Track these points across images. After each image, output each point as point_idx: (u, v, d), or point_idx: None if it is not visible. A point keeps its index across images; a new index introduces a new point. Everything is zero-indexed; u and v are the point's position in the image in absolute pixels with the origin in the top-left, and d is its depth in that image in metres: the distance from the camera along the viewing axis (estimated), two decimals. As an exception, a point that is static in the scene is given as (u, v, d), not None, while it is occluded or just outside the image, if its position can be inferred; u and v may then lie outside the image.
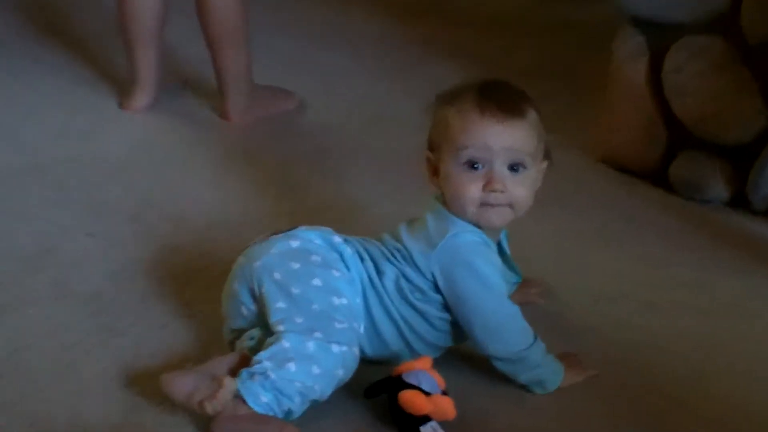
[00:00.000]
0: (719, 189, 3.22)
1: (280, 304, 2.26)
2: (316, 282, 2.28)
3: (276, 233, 2.38)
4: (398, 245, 2.35)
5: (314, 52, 4.19)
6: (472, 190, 2.29)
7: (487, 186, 2.29)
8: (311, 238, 2.36)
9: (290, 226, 2.40)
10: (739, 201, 3.19)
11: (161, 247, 2.84)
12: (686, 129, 3.25)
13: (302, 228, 2.38)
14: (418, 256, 2.32)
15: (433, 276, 2.31)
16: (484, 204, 2.30)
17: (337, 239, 2.37)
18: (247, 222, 2.98)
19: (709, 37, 3.18)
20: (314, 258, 2.32)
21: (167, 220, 3.00)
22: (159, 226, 2.97)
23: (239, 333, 2.34)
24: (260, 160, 3.42)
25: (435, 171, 2.35)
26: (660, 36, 3.25)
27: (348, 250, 2.35)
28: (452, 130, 2.31)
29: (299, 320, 2.24)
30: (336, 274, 2.31)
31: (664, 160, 3.30)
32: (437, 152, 2.34)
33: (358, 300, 2.32)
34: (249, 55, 3.64)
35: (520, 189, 2.31)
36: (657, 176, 3.31)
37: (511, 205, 2.32)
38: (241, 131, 3.61)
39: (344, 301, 2.28)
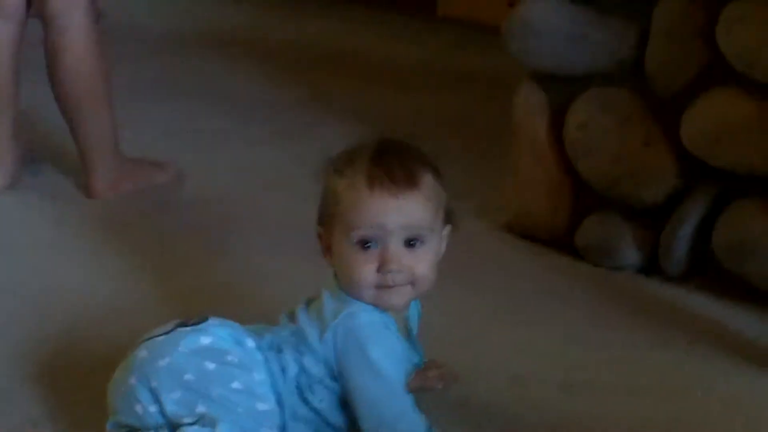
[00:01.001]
0: (630, 254, 3.19)
1: (200, 408, 2.16)
2: (236, 385, 2.19)
3: (184, 324, 2.26)
4: (295, 329, 2.25)
5: (192, 117, 4.16)
6: (366, 272, 2.19)
7: (383, 267, 2.19)
8: (222, 335, 2.25)
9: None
10: (652, 266, 3.16)
11: (23, 340, 2.69)
12: (593, 190, 3.24)
13: (212, 321, 2.27)
14: (314, 340, 2.22)
15: (329, 361, 2.22)
16: (380, 286, 2.20)
17: (250, 341, 2.25)
18: (121, 308, 2.86)
19: (615, 90, 3.20)
20: (230, 358, 2.22)
21: (30, 308, 2.85)
22: (21, 315, 2.82)
23: (130, 429, 2.21)
24: (133, 238, 3.33)
25: (328, 247, 2.25)
26: (562, 90, 3.27)
27: (261, 350, 2.25)
28: (342, 206, 2.21)
29: (224, 428, 2.14)
30: (256, 377, 2.21)
31: (571, 225, 3.28)
32: (328, 227, 2.24)
33: (275, 404, 2.23)
34: (113, 121, 3.54)
35: (419, 265, 2.21)
36: (564, 242, 3.28)
37: (411, 283, 2.21)
38: (110, 208, 3.52)
39: (268, 406, 2.20)
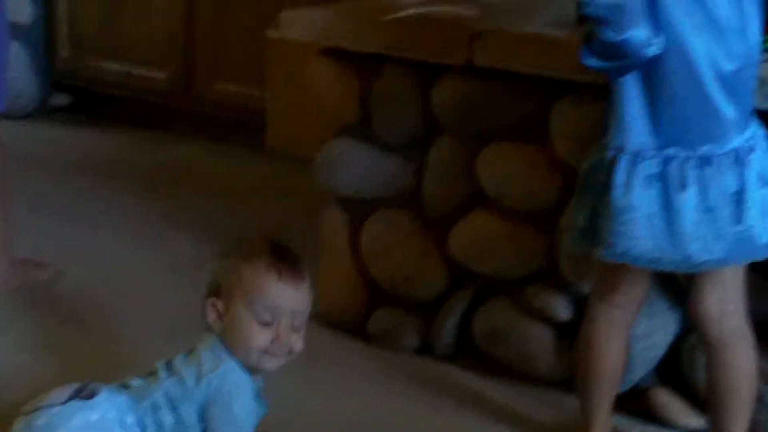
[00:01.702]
0: (410, 338, 3.25)
1: None
2: None
3: (80, 390, 2.33)
4: (175, 379, 2.35)
5: (72, 227, 4.08)
6: (261, 340, 2.34)
7: (276, 340, 2.34)
8: (109, 411, 2.32)
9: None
10: (427, 348, 3.22)
11: None
12: (382, 289, 3.28)
13: (103, 395, 2.34)
14: (192, 385, 2.33)
15: (201, 403, 2.33)
16: (266, 352, 2.34)
17: (130, 416, 2.33)
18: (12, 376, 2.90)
19: (399, 211, 3.22)
20: None
21: None
22: None
23: None
24: (21, 322, 3.34)
25: (220, 315, 2.36)
26: (358, 210, 3.28)
27: (139, 424, 2.33)
28: (249, 286, 2.34)
29: None
30: None
31: (366, 315, 3.32)
32: (225, 299, 2.35)
33: None
34: (4, 230, 3.54)
35: (299, 343, 2.38)
36: (360, 329, 3.32)
37: (287, 355, 2.37)
38: (2, 297, 3.51)
39: None
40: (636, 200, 2.35)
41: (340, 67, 3.23)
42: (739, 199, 2.34)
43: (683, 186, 2.33)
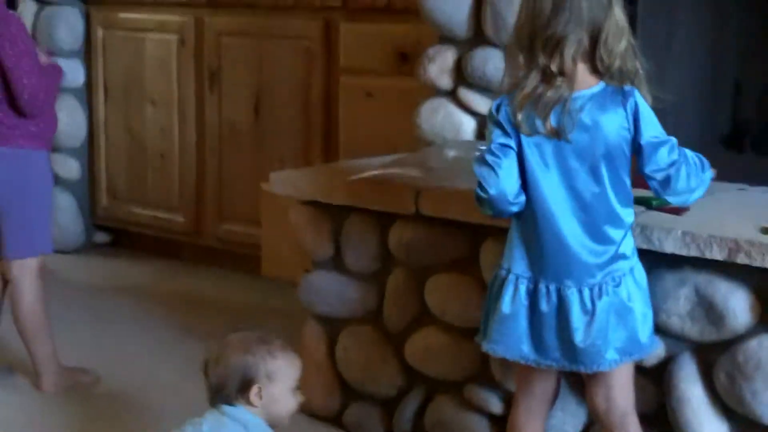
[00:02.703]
0: (377, 428, 3.24)
1: None
2: None
3: None
4: None
5: (104, 339, 4.04)
6: (296, 404, 2.42)
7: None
8: None
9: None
10: None
11: None
12: (353, 388, 3.27)
13: None
14: None
15: None
16: None
17: None
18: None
19: (365, 326, 3.22)
20: None
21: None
22: None
23: None
24: (68, 417, 3.32)
25: (260, 395, 2.36)
26: (333, 325, 3.28)
27: None
28: (282, 372, 2.37)
29: None
30: None
31: (341, 409, 3.30)
32: (264, 383, 2.36)
33: None
34: (52, 344, 3.53)
35: None
36: (336, 421, 3.31)
37: None
38: (51, 398, 3.50)
39: None
40: (513, 312, 2.38)
41: (317, 214, 3.26)
42: (590, 321, 2.35)
43: (547, 306, 2.36)
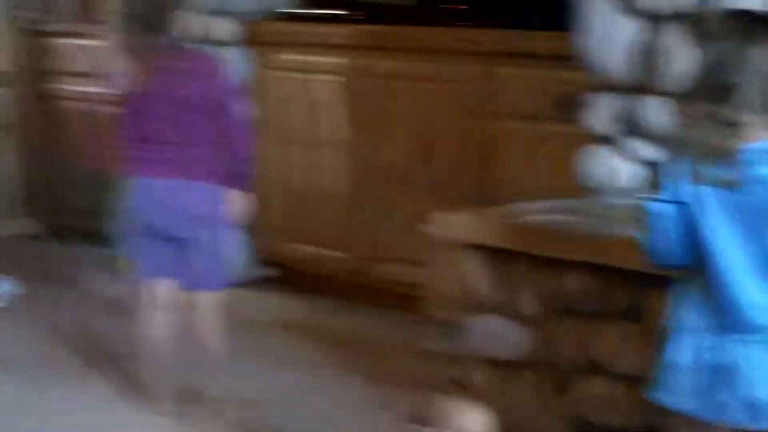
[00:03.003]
0: None
1: None
2: None
3: None
4: None
5: (268, 367, 4.11)
6: None
7: None
8: None
9: None
10: None
11: None
12: None
13: None
14: None
15: None
16: None
17: None
18: None
19: (529, 372, 3.21)
20: None
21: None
22: None
23: None
24: None
25: None
26: (497, 369, 3.27)
27: None
28: None
29: None
30: None
31: None
32: None
33: None
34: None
35: None
36: None
37: None
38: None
39: None
40: (686, 364, 2.37)
41: (482, 258, 3.32)
42: None
43: (722, 359, 2.33)
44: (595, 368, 3.07)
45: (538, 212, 3.28)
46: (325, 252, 5.19)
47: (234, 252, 3.71)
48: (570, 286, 3.10)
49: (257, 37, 5.29)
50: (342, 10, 5.17)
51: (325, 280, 5.24)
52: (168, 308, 3.60)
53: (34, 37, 6.30)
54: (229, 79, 3.56)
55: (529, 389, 3.23)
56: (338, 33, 5.00)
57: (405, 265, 4.75)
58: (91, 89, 5.91)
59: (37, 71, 6.33)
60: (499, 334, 3.28)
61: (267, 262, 5.49)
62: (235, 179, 3.54)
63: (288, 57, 5.25)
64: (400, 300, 4.86)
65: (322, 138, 5.14)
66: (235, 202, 3.57)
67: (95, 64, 5.63)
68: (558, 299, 3.14)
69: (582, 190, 3.65)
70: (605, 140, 3.64)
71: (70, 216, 6.20)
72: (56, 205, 6.31)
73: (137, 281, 3.67)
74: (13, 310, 4.81)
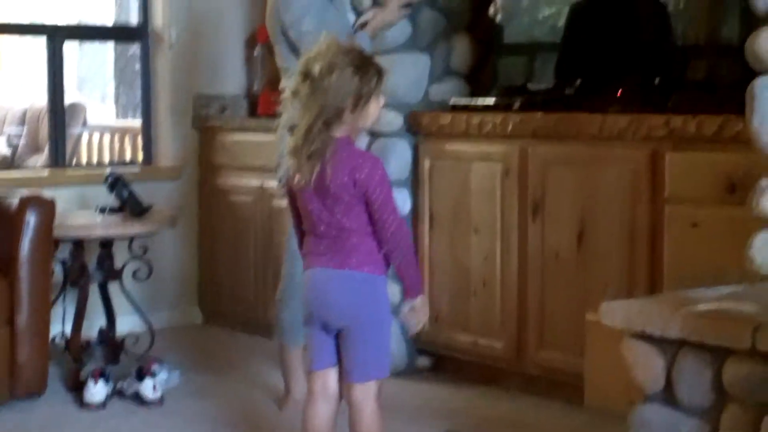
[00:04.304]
0: None
1: None
2: None
3: None
4: None
5: None
6: None
7: None
8: None
9: None
10: None
11: None
12: None
13: None
14: None
15: None
16: None
17: None
18: None
19: None
20: None
21: None
22: None
23: None
24: None
25: None
26: None
27: None
28: None
29: None
30: None
31: None
32: None
33: None
34: None
35: None
36: None
37: None
38: None
39: None
40: None
41: (649, 346, 3.26)
42: None
43: None
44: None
45: (708, 300, 3.20)
46: (484, 341, 5.17)
47: (391, 342, 3.70)
48: (738, 376, 3.04)
49: (422, 128, 5.38)
50: (503, 99, 5.21)
51: (485, 368, 5.22)
52: (330, 399, 3.61)
53: (206, 132, 6.56)
54: (388, 169, 3.59)
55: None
56: (502, 121, 5.03)
57: (567, 353, 4.72)
58: (260, 183, 6.08)
59: (207, 165, 6.58)
60: (667, 426, 3.23)
61: (426, 351, 5.49)
62: (406, 279, 3.56)
63: (452, 146, 5.30)
64: (561, 389, 4.80)
65: (484, 225, 5.15)
66: (416, 310, 3.59)
67: (265, 159, 5.77)
68: (727, 389, 3.08)
69: (753, 276, 3.53)
70: (778, 225, 3.53)
71: (236, 305, 6.35)
72: (223, 295, 6.48)
73: (303, 371, 3.69)
74: (175, 398, 4.94)
